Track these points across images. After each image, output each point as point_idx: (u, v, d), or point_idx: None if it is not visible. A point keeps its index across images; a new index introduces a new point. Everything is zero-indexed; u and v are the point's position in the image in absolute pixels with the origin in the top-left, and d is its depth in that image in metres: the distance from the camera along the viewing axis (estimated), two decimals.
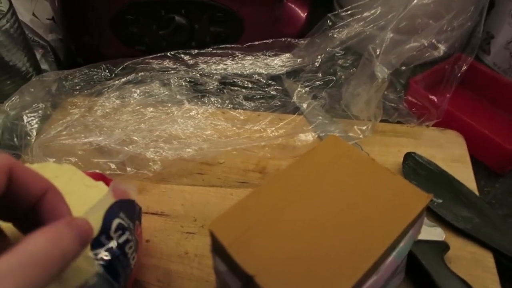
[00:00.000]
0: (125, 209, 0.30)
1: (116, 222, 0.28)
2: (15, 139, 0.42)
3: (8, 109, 0.42)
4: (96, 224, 0.26)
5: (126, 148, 0.43)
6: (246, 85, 0.54)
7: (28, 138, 0.42)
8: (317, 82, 0.53)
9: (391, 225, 0.27)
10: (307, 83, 0.53)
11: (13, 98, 0.44)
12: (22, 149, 0.42)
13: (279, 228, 0.27)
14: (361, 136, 0.45)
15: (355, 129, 0.46)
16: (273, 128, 0.48)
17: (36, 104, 0.44)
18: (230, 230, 0.27)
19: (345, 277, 0.25)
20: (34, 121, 0.43)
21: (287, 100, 0.53)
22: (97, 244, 0.26)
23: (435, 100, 0.47)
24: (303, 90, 0.53)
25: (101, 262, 0.26)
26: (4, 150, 0.41)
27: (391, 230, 0.27)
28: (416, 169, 0.44)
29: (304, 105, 0.51)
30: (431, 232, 0.38)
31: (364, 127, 0.45)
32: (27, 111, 0.44)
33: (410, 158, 0.44)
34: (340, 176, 0.31)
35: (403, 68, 0.48)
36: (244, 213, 0.28)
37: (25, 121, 0.43)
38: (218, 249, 0.28)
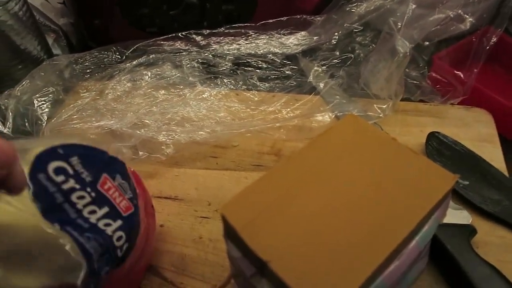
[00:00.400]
0: (82, 156, 0.27)
1: (54, 164, 0.26)
2: (27, 124, 0.42)
3: (19, 93, 0.42)
4: None
5: (138, 132, 0.42)
6: (260, 66, 0.52)
7: (39, 122, 0.42)
8: (334, 61, 0.51)
9: (414, 207, 0.26)
10: (324, 62, 0.51)
11: (23, 83, 0.43)
12: (34, 134, 0.42)
13: (294, 212, 0.26)
14: (381, 115, 0.43)
15: (375, 108, 0.43)
16: (289, 109, 0.46)
17: (46, 88, 0.44)
18: (242, 214, 0.26)
19: (365, 263, 0.23)
20: (45, 106, 0.43)
21: (303, 80, 0.51)
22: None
23: (461, 76, 0.44)
24: (320, 69, 0.51)
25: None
26: (16, 135, 0.41)
27: (414, 213, 0.26)
28: (440, 149, 0.41)
29: (321, 85, 0.49)
30: (456, 215, 0.36)
31: (385, 106, 0.43)
32: (37, 95, 0.43)
33: (433, 138, 0.42)
34: (359, 157, 0.29)
35: (426, 43, 0.45)
36: (257, 196, 0.27)
37: (36, 105, 0.42)
38: (230, 234, 0.26)
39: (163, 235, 0.38)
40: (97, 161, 0.28)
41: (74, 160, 0.27)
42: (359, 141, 0.30)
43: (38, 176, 0.25)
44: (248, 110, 0.46)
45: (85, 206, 0.27)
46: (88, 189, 0.27)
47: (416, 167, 0.28)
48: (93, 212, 0.27)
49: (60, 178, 0.26)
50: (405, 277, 0.29)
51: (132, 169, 0.35)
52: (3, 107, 0.41)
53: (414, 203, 0.26)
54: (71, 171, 0.27)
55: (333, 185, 0.27)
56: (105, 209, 0.28)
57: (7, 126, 0.41)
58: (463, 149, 0.41)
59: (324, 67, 0.50)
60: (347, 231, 0.25)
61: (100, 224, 0.27)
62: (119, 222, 0.28)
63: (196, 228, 0.38)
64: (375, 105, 0.44)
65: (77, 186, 0.26)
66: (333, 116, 0.46)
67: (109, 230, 0.27)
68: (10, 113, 0.41)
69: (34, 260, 0.25)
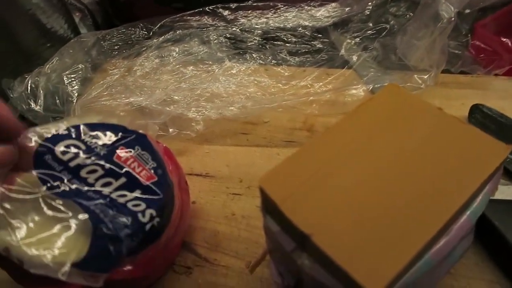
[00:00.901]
0: (95, 133, 0.28)
1: (64, 143, 0.27)
2: (58, 102, 0.41)
3: (49, 71, 0.42)
4: None
5: (167, 109, 0.41)
6: (289, 39, 0.50)
7: (70, 99, 0.42)
8: (368, 32, 0.48)
9: (465, 180, 0.24)
10: (356, 34, 0.49)
11: (53, 60, 0.43)
12: (65, 111, 0.41)
13: (335, 185, 0.24)
14: (422, 86, 0.41)
15: (415, 79, 0.41)
16: (321, 83, 0.44)
17: (76, 66, 0.44)
18: (281, 187, 0.24)
19: (413, 239, 0.22)
20: (75, 83, 0.42)
21: (335, 53, 0.49)
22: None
23: (509, 43, 0.41)
24: (352, 42, 0.48)
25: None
26: (47, 113, 0.40)
27: (465, 186, 0.24)
28: (484, 123, 0.39)
29: (354, 58, 0.47)
30: (504, 191, 0.34)
31: (426, 76, 0.41)
32: (67, 73, 0.43)
33: (477, 111, 0.40)
34: (403, 128, 0.27)
35: (467, 11, 0.42)
36: (296, 170, 0.26)
37: (66, 82, 0.42)
38: (269, 208, 0.25)
39: (195, 212, 0.37)
40: (112, 136, 0.29)
41: (87, 137, 0.27)
42: (402, 111, 0.29)
43: (44, 157, 0.26)
44: (279, 85, 0.44)
45: (97, 179, 0.27)
46: (102, 162, 0.27)
47: (465, 137, 0.26)
48: (108, 184, 0.27)
49: (68, 156, 0.26)
50: (450, 255, 0.28)
51: (164, 145, 0.34)
52: (33, 85, 0.41)
53: (464, 176, 0.24)
54: (83, 147, 0.27)
55: (375, 158, 0.26)
56: (122, 180, 0.27)
57: (38, 104, 0.41)
58: (509, 122, 0.39)
59: (357, 39, 0.48)
60: (392, 205, 0.23)
61: (114, 195, 0.27)
62: (138, 192, 0.28)
63: (228, 205, 0.38)
64: (415, 76, 0.41)
65: (88, 161, 0.27)
66: (368, 90, 0.44)
67: (123, 200, 0.27)
68: (41, 91, 0.41)
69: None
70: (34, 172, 0.26)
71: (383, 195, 0.24)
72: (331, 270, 0.22)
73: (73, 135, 0.27)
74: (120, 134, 0.29)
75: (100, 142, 0.28)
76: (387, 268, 0.21)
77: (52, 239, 0.25)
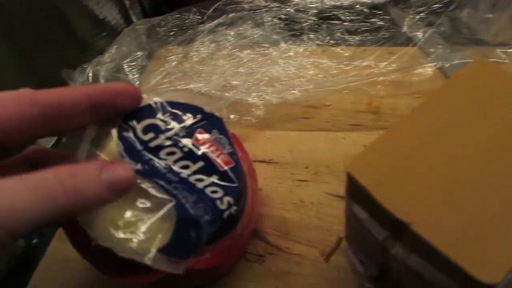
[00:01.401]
0: (175, 113, 0.27)
1: (145, 122, 0.26)
2: None
3: (108, 60, 0.42)
4: None
5: (226, 94, 0.40)
6: (346, 18, 0.48)
7: None
8: (433, 6, 0.45)
9: None
10: (420, 9, 0.46)
11: (111, 49, 0.43)
12: None
13: (430, 169, 0.23)
14: (506, 61, 0.37)
15: (497, 53, 0.38)
16: (385, 63, 0.42)
17: (134, 53, 0.43)
18: (372, 172, 0.23)
19: None
20: (135, 71, 0.42)
21: (396, 31, 0.46)
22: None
23: None
24: (416, 17, 0.45)
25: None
26: None
27: None
28: None
29: (418, 34, 0.44)
30: None
31: (511, 50, 0.37)
32: (127, 61, 0.43)
33: None
34: (496, 106, 0.25)
35: None
36: (385, 153, 0.24)
37: (126, 71, 0.42)
38: (356, 194, 0.24)
39: (262, 199, 0.37)
40: (191, 117, 0.28)
41: (166, 117, 0.27)
42: (494, 88, 0.26)
43: (125, 135, 0.26)
44: (341, 66, 0.42)
45: (176, 161, 0.26)
46: (180, 144, 0.26)
47: None
48: (185, 167, 0.26)
49: (149, 136, 0.26)
50: None
51: (231, 131, 0.33)
52: (94, 75, 0.41)
53: None
54: (162, 128, 0.26)
55: (469, 139, 0.24)
56: (200, 164, 0.27)
57: None
58: None
59: (421, 15, 0.45)
60: (495, 188, 0.21)
61: (192, 179, 0.26)
62: (214, 177, 0.27)
63: (296, 192, 0.37)
64: (497, 50, 0.38)
65: (167, 143, 0.26)
66: (436, 68, 0.41)
67: (201, 185, 0.26)
68: (102, 80, 0.41)
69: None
70: (118, 150, 0.25)
71: (484, 179, 0.22)
72: (433, 260, 0.21)
73: (154, 114, 0.27)
74: (198, 116, 0.28)
75: (180, 123, 0.27)
76: (502, 258, 0.19)
77: (137, 223, 0.25)
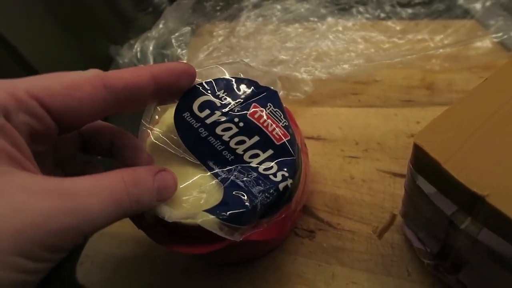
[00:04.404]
0: (229, 89, 0.27)
1: (200, 100, 0.26)
2: None
3: (156, 35, 0.42)
4: None
5: (274, 69, 0.40)
6: None
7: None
8: None
9: None
10: None
11: (159, 24, 0.43)
12: None
13: (503, 142, 0.22)
14: None
15: None
16: (441, 36, 0.40)
17: (182, 28, 0.43)
18: (442, 145, 0.22)
19: None
20: (184, 45, 0.42)
21: (452, 2, 0.43)
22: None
23: None
24: None
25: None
26: None
27: None
28: None
29: (477, 6, 0.42)
30: None
31: None
32: (176, 35, 0.42)
33: None
34: None
35: None
36: (454, 126, 0.23)
37: (174, 45, 0.42)
38: (424, 167, 0.23)
39: (312, 176, 0.36)
40: (246, 92, 0.28)
41: (221, 93, 0.27)
42: None
43: (182, 114, 0.26)
44: (394, 39, 0.40)
45: (232, 137, 0.26)
46: (236, 120, 0.26)
47: None
48: (241, 142, 0.26)
49: (205, 113, 0.26)
50: None
51: (284, 106, 0.33)
52: (142, 51, 0.41)
53: None
54: (218, 104, 0.27)
55: None
56: (256, 138, 0.27)
57: None
58: None
59: None
60: None
61: (247, 156, 0.27)
62: (270, 151, 0.27)
63: (346, 169, 0.36)
64: None
65: (223, 118, 0.26)
66: (496, 41, 0.39)
67: (256, 162, 0.27)
68: (151, 56, 0.41)
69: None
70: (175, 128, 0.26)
71: None
72: (507, 235, 0.20)
73: (209, 91, 0.27)
74: (253, 90, 0.28)
75: (234, 98, 0.27)
76: None
77: (187, 191, 0.26)
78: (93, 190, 0.19)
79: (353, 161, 0.36)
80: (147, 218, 0.26)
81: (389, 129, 0.37)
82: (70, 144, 0.26)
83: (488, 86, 0.25)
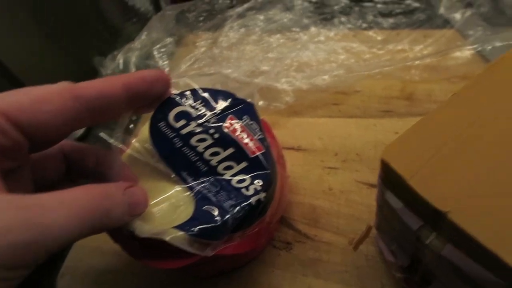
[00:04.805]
0: (206, 100, 0.27)
1: (176, 110, 0.26)
2: None
3: (138, 46, 0.42)
4: None
5: (256, 80, 0.40)
6: (379, 0, 0.46)
7: None
8: None
9: None
10: None
11: (142, 36, 0.43)
12: None
13: (469, 158, 0.22)
14: None
15: None
16: (421, 46, 0.40)
17: (164, 40, 0.43)
18: (408, 160, 0.22)
19: None
20: (165, 57, 0.42)
21: (433, 12, 0.44)
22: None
23: None
24: None
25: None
26: None
27: None
28: None
29: (456, 16, 0.42)
30: None
31: None
32: (157, 47, 0.43)
33: None
34: None
35: None
36: (422, 141, 0.23)
37: (156, 57, 0.42)
38: (391, 182, 0.23)
39: (291, 187, 0.36)
40: (223, 104, 0.28)
41: (198, 104, 0.27)
42: None
43: (158, 124, 0.26)
44: (374, 50, 0.41)
45: (206, 148, 0.26)
46: (211, 131, 0.27)
47: None
48: (216, 153, 0.27)
49: (180, 123, 0.26)
50: None
51: (262, 118, 0.33)
52: (125, 62, 0.42)
53: None
54: (194, 115, 0.27)
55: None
56: (230, 150, 0.27)
57: None
58: None
59: None
60: None
61: (220, 168, 0.27)
62: (244, 163, 0.27)
63: (325, 179, 0.36)
64: None
65: (198, 129, 0.26)
66: (475, 51, 0.39)
67: (229, 174, 0.27)
68: (133, 68, 0.41)
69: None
70: (149, 138, 0.27)
71: None
72: (470, 251, 0.20)
73: (186, 101, 0.27)
74: (230, 102, 0.28)
75: (211, 110, 0.27)
76: None
77: (160, 205, 0.26)
78: (55, 203, 0.19)
79: (332, 172, 0.36)
80: (124, 232, 0.26)
81: (368, 140, 0.37)
82: (54, 167, 0.26)
83: (457, 101, 0.25)
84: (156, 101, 0.26)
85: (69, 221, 0.18)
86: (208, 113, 0.27)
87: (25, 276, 0.19)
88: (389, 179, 0.23)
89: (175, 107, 0.27)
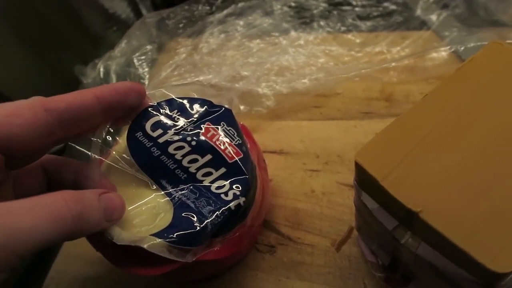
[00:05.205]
0: (182, 108, 0.28)
1: (152, 120, 0.27)
2: None
3: (118, 54, 0.42)
4: None
5: (236, 85, 0.40)
6: (358, 3, 0.47)
7: (142, 81, 0.42)
8: None
9: None
10: None
11: (122, 43, 0.43)
12: None
13: (441, 157, 0.22)
14: None
15: None
16: (398, 48, 0.41)
17: (144, 47, 0.43)
18: (381, 162, 0.23)
19: None
20: (145, 65, 0.42)
21: (410, 15, 0.45)
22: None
23: None
24: (430, 0, 0.44)
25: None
26: None
27: None
28: None
29: (433, 17, 0.43)
30: None
31: None
32: (136, 55, 0.43)
33: None
34: None
35: None
36: (395, 142, 0.24)
37: (136, 65, 0.42)
38: (366, 184, 0.24)
39: (273, 190, 0.37)
40: (199, 111, 0.28)
41: (174, 113, 0.27)
42: (510, 72, 0.25)
43: (135, 134, 0.27)
44: (352, 52, 0.41)
45: (184, 155, 0.27)
46: (189, 139, 0.27)
47: None
48: (194, 160, 0.27)
49: (157, 133, 0.27)
50: None
51: (241, 123, 0.33)
52: (105, 70, 0.42)
53: None
54: (170, 124, 0.27)
55: (483, 126, 0.23)
56: (208, 157, 0.27)
57: None
58: None
59: None
60: (509, 177, 0.21)
61: (199, 174, 0.27)
62: (222, 169, 0.27)
63: (307, 182, 0.36)
64: None
65: (175, 138, 0.27)
66: (451, 52, 0.40)
67: (208, 180, 0.27)
68: (114, 76, 0.41)
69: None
70: (126, 148, 0.27)
71: (496, 168, 0.21)
72: (443, 249, 0.20)
73: (162, 111, 0.27)
74: (206, 109, 0.28)
75: (187, 118, 0.28)
76: None
77: (139, 212, 0.26)
78: (24, 208, 0.19)
79: (314, 174, 0.37)
80: (104, 239, 0.26)
81: (349, 142, 0.38)
82: (34, 182, 0.26)
83: (428, 102, 0.25)
84: (133, 112, 0.27)
85: (38, 223, 0.18)
86: (185, 121, 0.28)
87: (2, 281, 0.19)
88: (364, 180, 0.24)
89: (152, 117, 0.27)
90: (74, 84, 0.45)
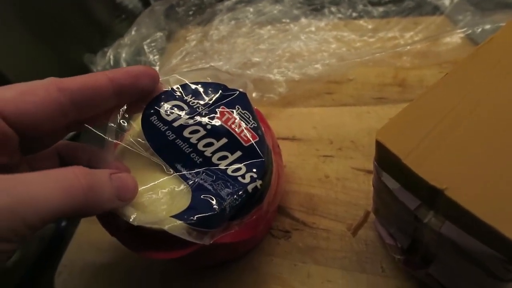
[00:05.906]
0: (196, 93, 0.28)
1: (168, 104, 0.27)
2: None
3: (128, 42, 0.42)
4: None
5: (248, 72, 0.40)
6: None
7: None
8: None
9: None
10: None
11: (132, 31, 0.43)
12: None
13: (463, 135, 0.22)
14: None
15: None
16: (411, 33, 0.40)
17: (154, 34, 0.43)
18: (402, 140, 0.22)
19: None
20: (156, 51, 0.42)
21: (422, 0, 0.44)
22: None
23: None
24: None
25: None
26: None
27: None
28: None
29: (446, 2, 0.42)
30: None
31: None
32: (147, 41, 0.43)
33: None
34: None
35: None
36: (415, 120, 0.23)
37: (146, 52, 0.42)
38: (386, 164, 0.23)
39: (287, 176, 0.36)
40: (214, 95, 0.28)
41: (189, 97, 0.27)
42: None
43: (150, 118, 0.26)
44: (365, 38, 0.41)
45: (199, 139, 0.27)
46: (204, 122, 0.27)
47: None
48: (209, 144, 0.27)
49: (172, 116, 0.26)
50: None
51: (255, 107, 0.33)
52: (115, 58, 0.41)
53: None
54: (185, 108, 0.27)
55: (504, 104, 0.23)
56: (224, 140, 0.27)
57: None
58: None
59: None
60: None
61: (215, 158, 0.27)
62: (238, 153, 0.27)
63: (321, 168, 0.36)
64: None
65: (190, 121, 0.27)
66: (465, 36, 0.40)
67: (224, 164, 0.27)
68: (124, 64, 0.41)
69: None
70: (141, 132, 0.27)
71: None
72: (468, 227, 0.20)
73: (176, 95, 0.27)
74: (220, 92, 0.28)
75: (202, 102, 0.27)
76: None
77: (155, 195, 0.26)
78: (38, 178, 0.19)
79: (327, 160, 0.36)
80: (119, 223, 0.26)
81: (362, 127, 0.37)
82: (48, 167, 0.26)
83: (448, 81, 0.25)
84: (147, 98, 0.26)
85: (48, 193, 0.18)
86: (200, 105, 0.27)
87: (11, 256, 0.19)
88: (385, 160, 0.23)
89: (167, 101, 0.27)
90: (83, 73, 0.44)
